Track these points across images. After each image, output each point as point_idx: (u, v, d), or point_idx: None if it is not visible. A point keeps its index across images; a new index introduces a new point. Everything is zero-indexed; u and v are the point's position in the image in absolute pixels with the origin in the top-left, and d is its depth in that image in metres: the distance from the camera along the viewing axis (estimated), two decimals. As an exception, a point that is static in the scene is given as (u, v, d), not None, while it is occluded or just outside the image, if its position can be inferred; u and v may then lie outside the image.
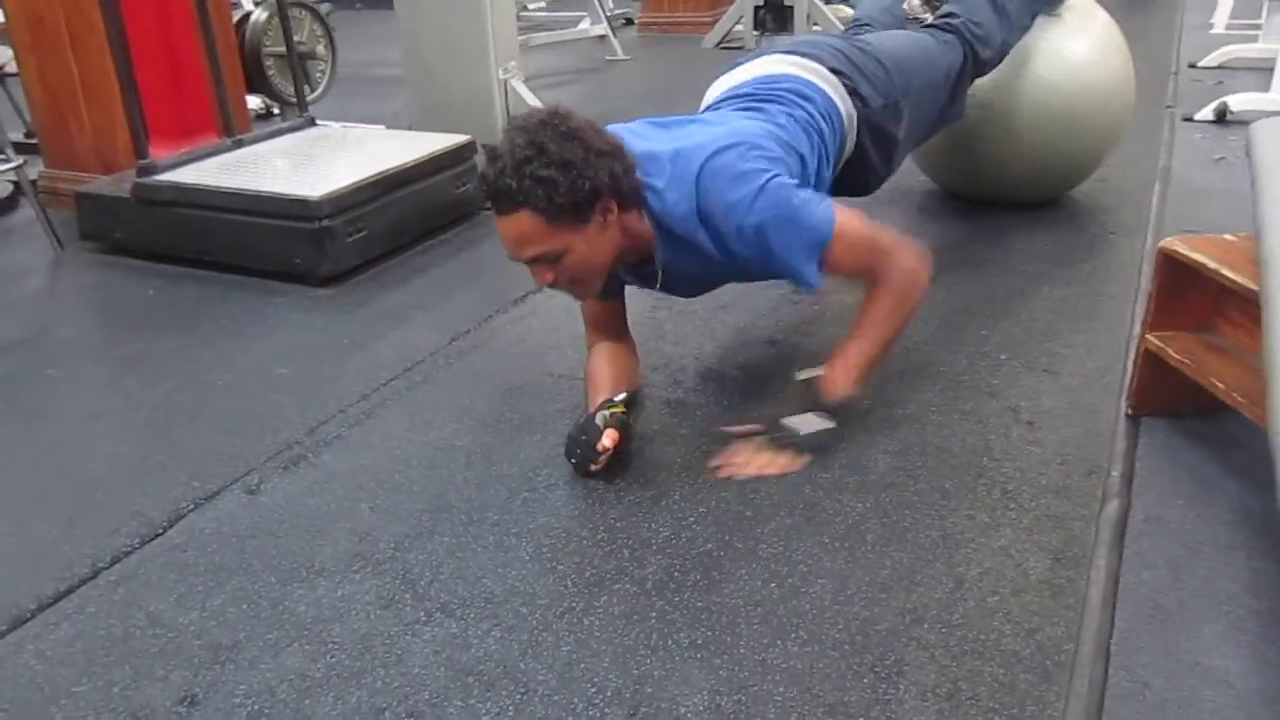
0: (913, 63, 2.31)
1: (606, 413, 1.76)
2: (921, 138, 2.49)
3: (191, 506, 1.76)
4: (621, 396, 1.81)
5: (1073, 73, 2.73)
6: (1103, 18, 2.88)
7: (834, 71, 2.10)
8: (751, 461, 1.78)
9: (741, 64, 2.21)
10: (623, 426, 1.76)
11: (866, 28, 2.58)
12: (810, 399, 1.80)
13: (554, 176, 1.55)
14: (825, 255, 1.73)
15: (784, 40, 2.28)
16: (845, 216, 1.75)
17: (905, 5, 2.79)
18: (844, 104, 2.09)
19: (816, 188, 1.93)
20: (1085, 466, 1.74)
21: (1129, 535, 1.56)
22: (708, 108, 2.12)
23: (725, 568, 1.53)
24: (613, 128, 1.75)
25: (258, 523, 1.71)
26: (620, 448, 1.75)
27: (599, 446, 1.73)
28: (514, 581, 1.53)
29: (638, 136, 1.78)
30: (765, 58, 2.17)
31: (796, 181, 1.78)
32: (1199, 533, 1.56)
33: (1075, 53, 2.76)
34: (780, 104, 1.98)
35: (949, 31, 2.46)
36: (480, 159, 1.61)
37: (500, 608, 1.47)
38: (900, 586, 1.47)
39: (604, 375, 1.90)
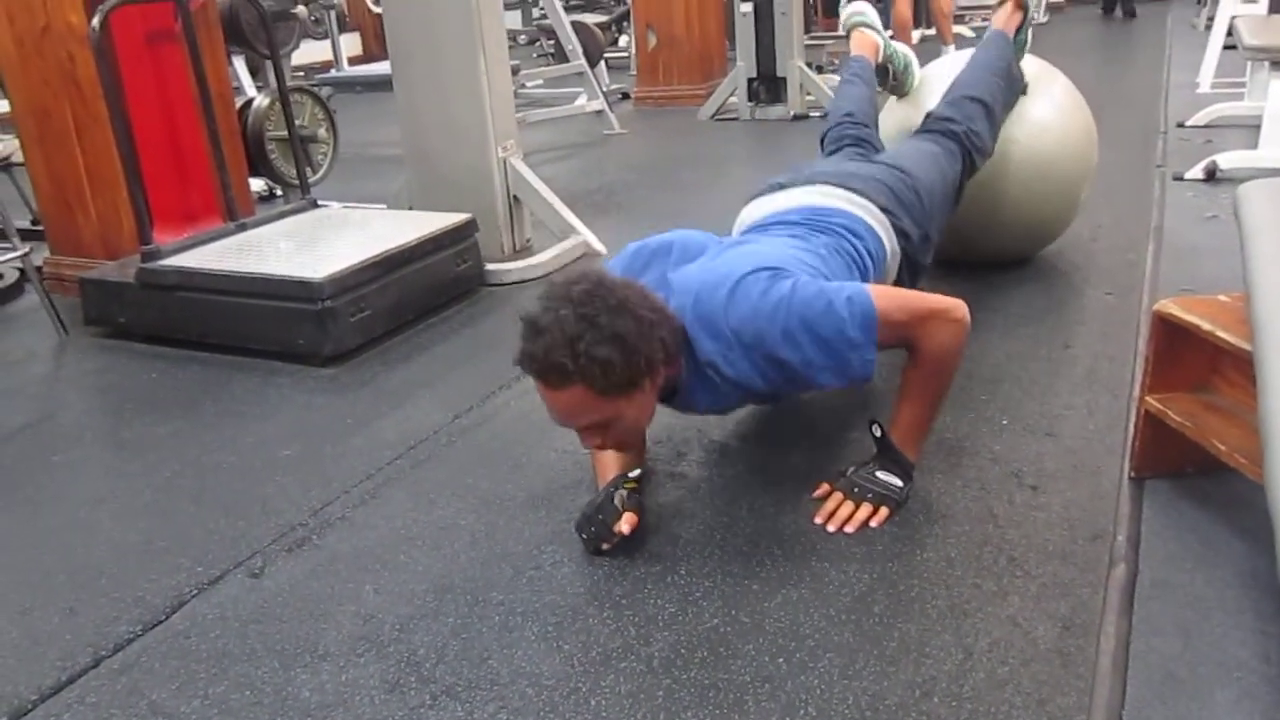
0: (935, 185, 2.34)
1: (624, 492, 1.75)
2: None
3: (194, 592, 1.75)
4: (636, 473, 1.81)
5: (1039, 132, 2.81)
6: (1062, 81, 2.96)
7: (884, 210, 2.12)
8: (855, 516, 1.79)
9: (784, 188, 2.19)
10: (640, 507, 1.76)
11: (864, 127, 2.61)
12: (881, 456, 1.85)
13: (609, 356, 1.54)
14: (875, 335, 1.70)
15: (829, 168, 2.28)
16: (879, 292, 1.75)
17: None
18: (890, 242, 2.12)
19: None
20: (1090, 530, 1.73)
21: (1137, 600, 1.55)
22: (749, 229, 2.11)
23: (732, 643, 1.52)
24: (640, 245, 1.87)
25: (261, 607, 1.70)
26: (636, 529, 1.74)
27: (616, 529, 1.72)
28: (520, 662, 1.51)
29: (667, 258, 1.86)
30: (814, 188, 2.16)
31: (823, 276, 1.80)
32: (1208, 597, 1.55)
33: (1040, 114, 2.83)
34: (829, 235, 1.99)
35: (949, 138, 2.50)
36: (521, 332, 1.61)
37: (506, 689, 1.46)
38: (908, 659, 1.46)
39: (610, 451, 1.89)
